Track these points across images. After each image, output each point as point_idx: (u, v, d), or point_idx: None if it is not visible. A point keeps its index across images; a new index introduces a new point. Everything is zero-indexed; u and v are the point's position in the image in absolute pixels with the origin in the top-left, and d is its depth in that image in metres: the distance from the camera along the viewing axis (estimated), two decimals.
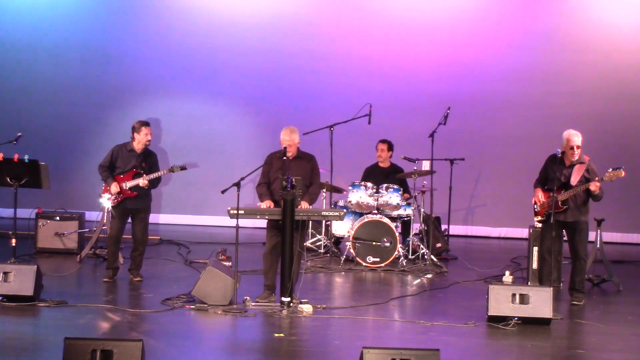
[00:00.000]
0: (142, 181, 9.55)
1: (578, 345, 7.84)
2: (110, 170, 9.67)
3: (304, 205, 8.79)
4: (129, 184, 9.58)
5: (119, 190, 9.55)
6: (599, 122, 13.90)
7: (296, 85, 13.99)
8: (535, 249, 9.96)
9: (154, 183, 9.72)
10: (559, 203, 9.11)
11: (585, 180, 9.09)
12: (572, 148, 9.12)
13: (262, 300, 8.72)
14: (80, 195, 13.38)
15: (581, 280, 9.27)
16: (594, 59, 13.84)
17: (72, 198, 13.32)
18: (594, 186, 8.97)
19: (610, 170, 8.99)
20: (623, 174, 8.97)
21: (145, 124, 9.68)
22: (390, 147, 11.84)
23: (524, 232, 12.51)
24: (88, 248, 10.81)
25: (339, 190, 12.00)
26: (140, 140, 9.64)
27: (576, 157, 9.14)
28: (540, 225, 9.53)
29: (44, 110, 13.93)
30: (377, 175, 11.65)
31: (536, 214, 9.42)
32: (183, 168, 9.80)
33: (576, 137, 9.12)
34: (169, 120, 13.80)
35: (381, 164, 11.85)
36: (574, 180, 9.11)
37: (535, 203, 9.38)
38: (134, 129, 9.67)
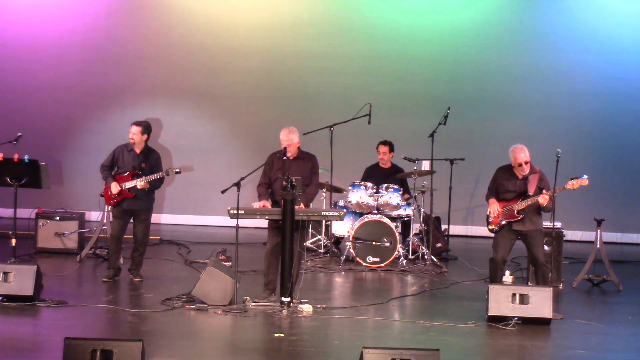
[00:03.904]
0: (139, 183, 9.49)
1: (578, 345, 7.83)
2: (111, 170, 9.66)
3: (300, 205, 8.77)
4: (128, 185, 9.56)
5: (119, 189, 9.54)
6: (599, 122, 13.91)
7: (296, 85, 13.97)
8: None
9: (155, 184, 9.66)
10: (515, 212, 9.02)
11: (539, 190, 8.98)
12: (520, 165, 8.99)
13: (262, 300, 8.72)
14: (80, 195, 13.36)
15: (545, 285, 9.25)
16: (594, 59, 13.83)
17: (72, 198, 13.31)
18: (542, 199, 8.88)
19: (571, 180, 8.90)
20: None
21: (137, 123, 9.64)
22: (392, 148, 11.84)
23: None
24: (88, 248, 10.80)
25: (339, 190, 11.99)
26: (130, 137, 9.65)
27: (526, 172, 9.05)
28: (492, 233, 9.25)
29: (44, 110, 13.90)
30: (377, 176, 11.64)
31: (489, 222, 9.23)
32: (178, 172, 9.72)
33: (522, 154, 9.00)
34: (169, 120, 13.79)
35: (382, 165, 11.85)
36: (531, 189, 9.01)
37: (489, 215, 9.21)
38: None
